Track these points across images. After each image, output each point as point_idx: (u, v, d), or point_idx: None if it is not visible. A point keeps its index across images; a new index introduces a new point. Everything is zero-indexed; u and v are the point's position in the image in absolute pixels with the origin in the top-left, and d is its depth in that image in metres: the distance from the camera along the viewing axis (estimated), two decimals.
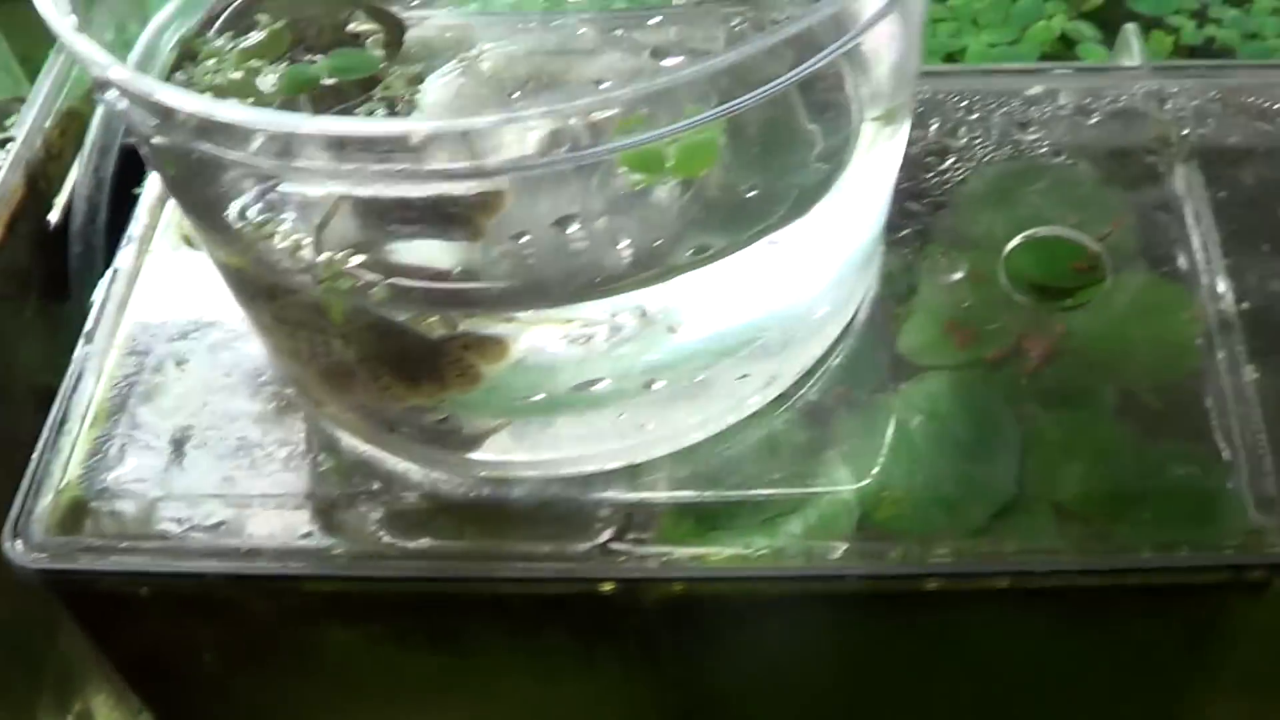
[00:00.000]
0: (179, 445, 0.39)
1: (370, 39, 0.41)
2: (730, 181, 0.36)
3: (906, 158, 0.40)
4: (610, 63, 0.41)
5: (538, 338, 0.34)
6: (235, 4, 0.41)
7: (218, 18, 0.41)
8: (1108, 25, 0.76)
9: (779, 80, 0.29)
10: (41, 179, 0.51)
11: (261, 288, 0.35)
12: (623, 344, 0.34)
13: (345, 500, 0.38)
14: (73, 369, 0.41)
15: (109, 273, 0.44)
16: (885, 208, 0.39)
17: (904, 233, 0.42)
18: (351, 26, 0.42)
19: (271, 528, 0.38)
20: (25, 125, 0.51)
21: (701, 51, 0.40)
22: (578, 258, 0.35)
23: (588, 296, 0.34)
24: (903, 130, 0.37)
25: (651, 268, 0.34)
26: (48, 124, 0.51)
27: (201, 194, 0.34)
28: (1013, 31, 0.76)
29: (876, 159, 0.36)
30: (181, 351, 0.42)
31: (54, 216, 0.51)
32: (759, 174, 0.36)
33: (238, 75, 0.38)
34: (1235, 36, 0.75)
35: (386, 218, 0.32)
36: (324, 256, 0.32)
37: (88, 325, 0.43)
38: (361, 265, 0.33)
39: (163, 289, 0.43)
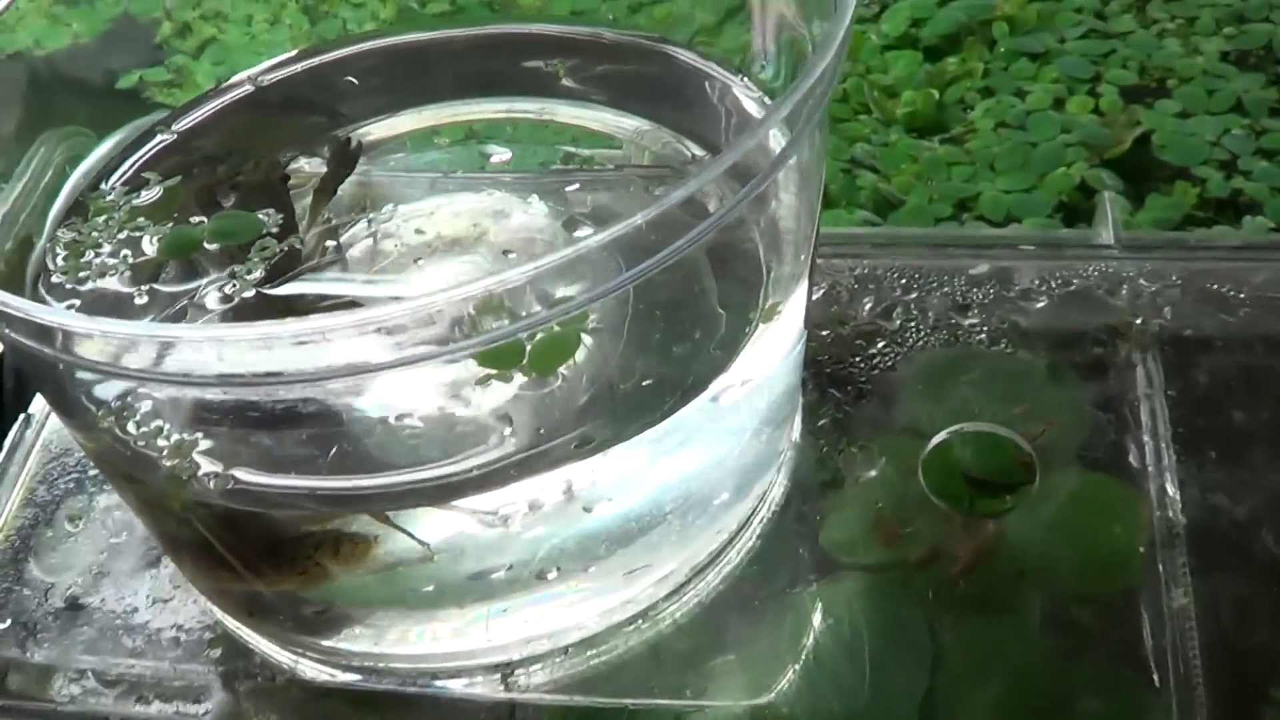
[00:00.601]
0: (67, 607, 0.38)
1: (307, 183, 0.40)
2: (619, 370, 0.34)
3: (837, 338, 0.38)
4: (521, 230, 0.39)
5: (401, 541, 0.32)
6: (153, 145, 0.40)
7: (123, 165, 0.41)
8: (1132, 174, 0.74)
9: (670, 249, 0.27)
10: None
11: (106, 462, 0.34)
12: (510, 536, 0.32)
13: (223, 678, 0.37)
14: None
15: (20, 418, 0.43)
16: (790, 390, 0.37)
17: (823, 421, 0.39)
18: (295, 165, 0.41)
19: (145, 705, 0.36)
20: None
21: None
22: (452, 445, 0.33)
23: (465, 491, 0.32)
24: (798, 307, 0.35)
25: (536, 457, 0.32)
26: None
27: (45, 378, 0.33)
28: (1030, 178, 0.73)
29: (774, 338, 0.34)
30: (77, 508, 0.41)
31: None
32: (653, 361, 0.34)
33: (122, 235, 0.37)
34: (1264, 190, 0.72)
35: (221, 413, 0.31)
36: (164, 443, 0.31)
37: None
38: (202, 453, 0.31)
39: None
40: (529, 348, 0.31)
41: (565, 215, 0.39)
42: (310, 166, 0.41)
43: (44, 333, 0.27)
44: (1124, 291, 0.41)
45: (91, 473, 0.41)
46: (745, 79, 0.40)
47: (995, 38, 0.84)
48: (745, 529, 0.37)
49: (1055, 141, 0.75)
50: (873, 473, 0.38)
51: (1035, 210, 0.72)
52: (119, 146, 0.41)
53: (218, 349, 0.26)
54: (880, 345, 0.40)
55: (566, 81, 0.42)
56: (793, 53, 0.37)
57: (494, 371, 0.32)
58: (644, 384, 0.34)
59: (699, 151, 0.42)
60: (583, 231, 0.39)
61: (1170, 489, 0.38)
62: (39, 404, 0.44)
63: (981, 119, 0.77)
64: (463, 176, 0.41)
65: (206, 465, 0.31)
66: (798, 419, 0.39)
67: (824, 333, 0.40)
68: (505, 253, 0.39)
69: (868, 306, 0.41)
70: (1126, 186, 0.73)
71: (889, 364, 0.40)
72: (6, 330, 0.27)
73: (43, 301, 0.36)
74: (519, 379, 0.33)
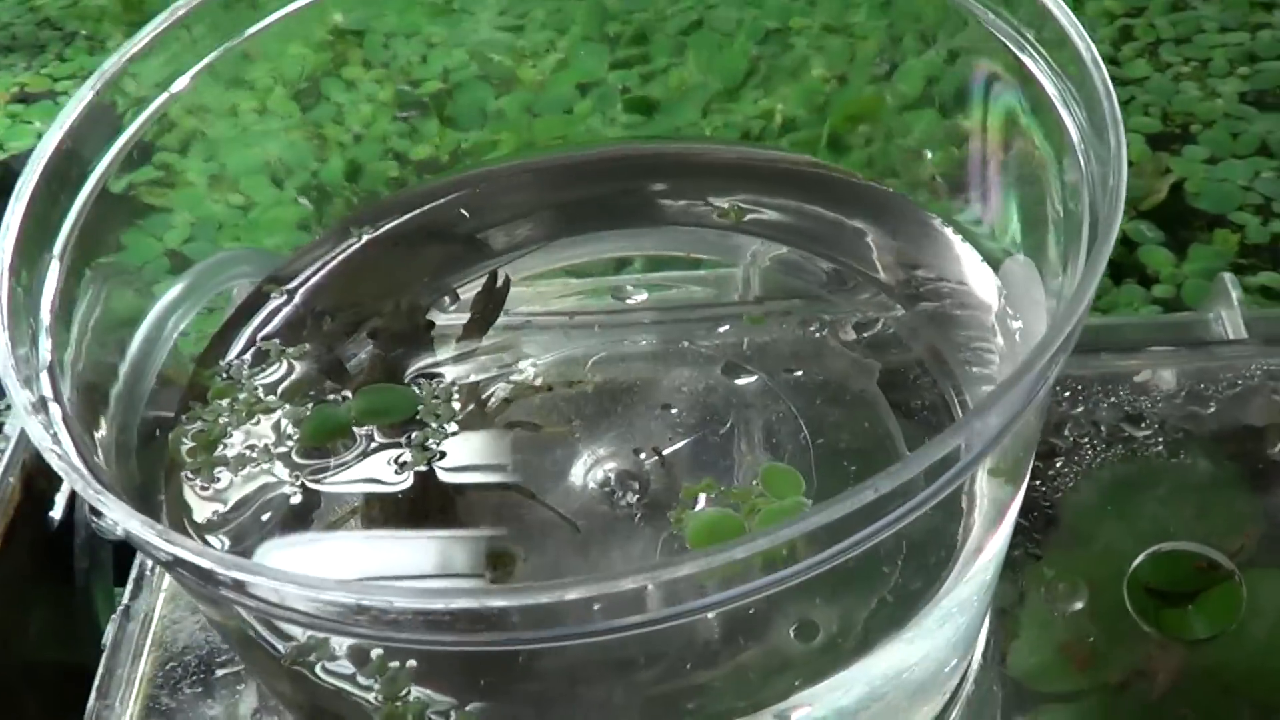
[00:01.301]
0: None
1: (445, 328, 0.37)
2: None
3: None
4: (678, 380, 0.37)
5: None
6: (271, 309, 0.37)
7: (239, 331, 0.37)
8: (1169, 224, 0.73)
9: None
10: (40, 477, 0.47)
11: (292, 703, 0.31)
12: None
13: None
14: None
15: (118, 612, 0.40)
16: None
17: (1016, 552, 0.37)
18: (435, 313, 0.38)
19: None
20: (19, 424, 0.46)
21: (779, 367, 0.36)
22: None
23: None
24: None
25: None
26: None
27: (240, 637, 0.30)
28: None
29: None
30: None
31: (56, 514, 0.47)
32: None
33: (255, 424, 0.34)
34: None
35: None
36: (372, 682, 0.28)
37: (98, 675, 0.38)
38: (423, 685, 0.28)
39: (176, 625, 0.39)
40: None
41: (722, 361, 0.37)
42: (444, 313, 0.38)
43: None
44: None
45: (221, 672, 0.38)
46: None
47: None
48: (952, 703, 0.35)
49: None
50: (1078, 604, 0.36)
51: None
52: (198, 294, 0.38)
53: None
54: (1059, 464, 0.38)
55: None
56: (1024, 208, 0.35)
57: None
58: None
59: (825, 265, 0.40)
60: (744, 379, 0.36)
61: None
62: (135, 591, 0.40)
63: None
64: (599, 316, 0.38)
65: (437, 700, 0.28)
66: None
67: None
68: (666, 407, 0.36)
69: None
70: (1166, 237, 0.72)
71: (1070, 485, 0.38)
72: (180, 571, 0.24)
73: (186, 508, 0.33)
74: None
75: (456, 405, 0.35)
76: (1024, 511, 0.38)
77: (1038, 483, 0.38)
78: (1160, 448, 0.39)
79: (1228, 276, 0.46)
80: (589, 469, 0.35)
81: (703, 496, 0.32)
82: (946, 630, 0.32)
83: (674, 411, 0.36)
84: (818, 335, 0.37)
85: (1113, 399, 0.40)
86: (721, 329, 0.38)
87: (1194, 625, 0.36)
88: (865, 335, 0.37)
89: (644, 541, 0.33)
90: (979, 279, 0.37)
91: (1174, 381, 0.40)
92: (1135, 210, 0.73)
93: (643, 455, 0.35)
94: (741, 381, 0.36)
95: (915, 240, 0.38)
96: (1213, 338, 0.43)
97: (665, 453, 0.35)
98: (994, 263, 0.36)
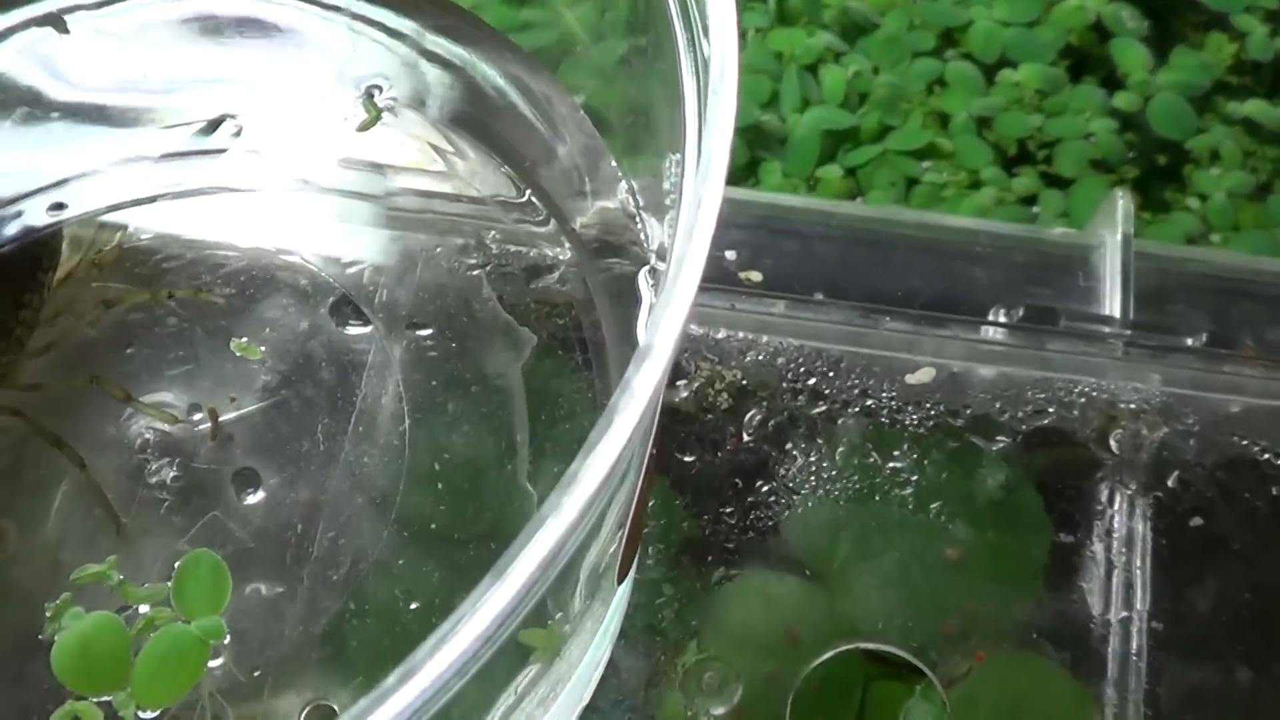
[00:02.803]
0: None
1: None
2: None
3: (705, 470, 0.28)
4: (274, 309, 0.28)
5: None
6: None
7: None
8: (1158, 13, 0.60)
9: None
10: None
11: None
12: None
13: None
14: None
15: None
16: None
17: (664, 618, 0.29)
18: None
19: None
20: None
21: (404, 317, 0.27)
22: None
23: None
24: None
25: None
26: None
27: None
28: (1035, 7, 0.59)
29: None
30: None
31: None
32: None
33: None
34: None
35: None
36: None
37: None
38: None
39: None
40: None
41: (337, 293, 0.28)
42: None
43: None
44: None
45: None
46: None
47: None
48: None
49: None
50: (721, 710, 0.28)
51: (1037, 53, 0.59)
52: None
53: None
54: (764, 489, 0.30)
55: None
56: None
57: None
58: None
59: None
60: (355, 328, 0.27)
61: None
62: None
63: None
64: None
65: None
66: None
67: (688, 459, 0.30)
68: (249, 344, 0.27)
69: (755, 420, 0.30)
70: (1150, 29, 0.60)
71: (769, 523, 0.29)
72: None
73: None
74: None
75: None
76: (694, 558, 0.29)
77: (727, 511, 0.30)
78: (907, 490, 0.30)
79: (1120, 197, 0.36)
80: (130, 418, 0.27)
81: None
82: None
83: (256, 358, 0.27)
84: (472, 274, 0.28)
85: (868, 403, 0.30)
86: (351, 231, 0.28)
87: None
88: (533, 286, 0.28)
89: (154, 548, 0.25)
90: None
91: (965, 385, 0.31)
92: None
93: (197, 417, 0.27)
94: (352, 331, 0.27)
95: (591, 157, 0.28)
96: (1071, 305, 0.33)
97: (223, 419, 0.27)
98: None
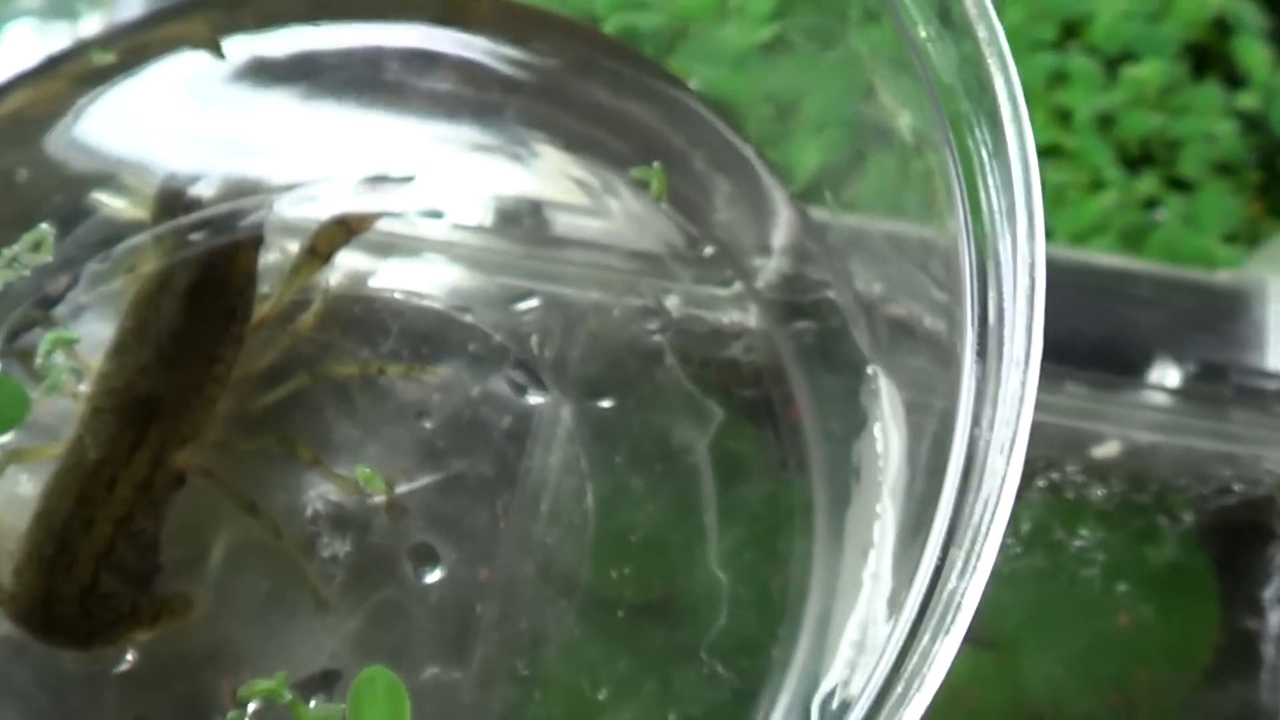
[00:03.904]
0: None
1: None
2: None
3: None
4: (444, 376, 0.27)
5: None
6: None
7: None
8: (1278, 8, 0.57)
9: None
10: None
11: None
12: None
13: None
14: None
15: None
16: None
17: None
18: None
19: None
20: None
21: (586, 388, 0.26)
22: None
23: None
24: None
25: None
26: None
27: None
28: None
29: None
30: None
31: None
32: None
33: None
34: None
35: None
36: None
37: None
38: None
39: None
40: None
41: (510, 359, 0.27)
42: None
43: None
44: None
45: None
46: None
47: None
48: None
49: None
50: None
51: (1158, 48, 0.57)
52: None
53: None
54: None
55: None
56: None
57: None
58: None
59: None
60: (534, 398, 0.26)
61: None
62: None
63: None
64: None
65: None
66: None
67: None
68: (420, 414, 0.26)
69: None
70: (1274, 27, 0.57)
71: None
72: None
73: None
74: None
75: None
76: None
77: None
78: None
79: None
80: (304, 486, 0.26)
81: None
82: None
83: (427, 425, 0.26)
84: (654, 340, 0.27)
85: (1054, 475, 0.29)
86: (525, 304, 0.27)
87: None
88: (719, 356, 0.27)
89: (319, 634, 0.24)
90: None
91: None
92: None
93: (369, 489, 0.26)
94: (532, 401, 0.26)
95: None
96: (1234, 356, 0.32)
97: (400, 491, 0.26)
98: None
